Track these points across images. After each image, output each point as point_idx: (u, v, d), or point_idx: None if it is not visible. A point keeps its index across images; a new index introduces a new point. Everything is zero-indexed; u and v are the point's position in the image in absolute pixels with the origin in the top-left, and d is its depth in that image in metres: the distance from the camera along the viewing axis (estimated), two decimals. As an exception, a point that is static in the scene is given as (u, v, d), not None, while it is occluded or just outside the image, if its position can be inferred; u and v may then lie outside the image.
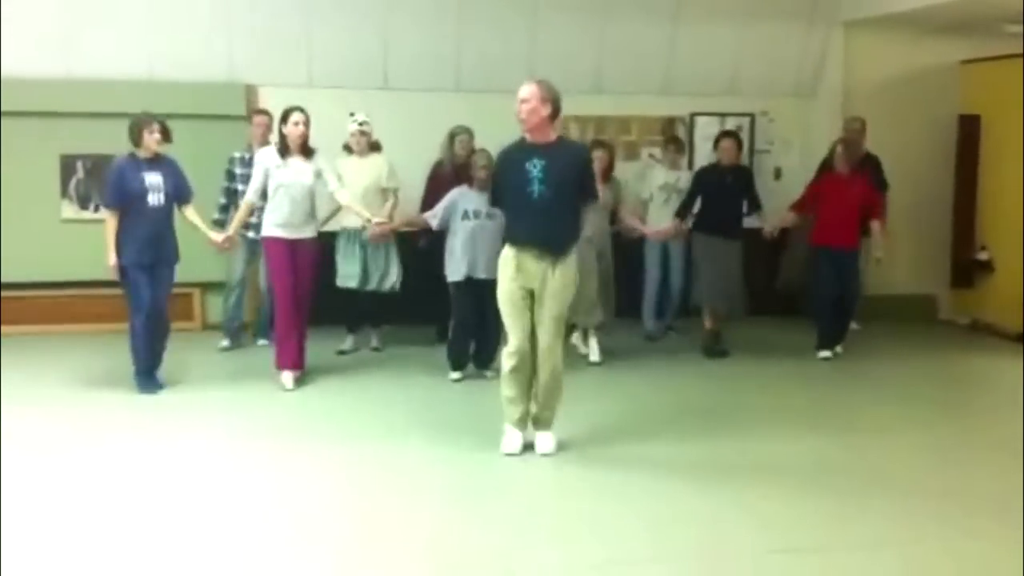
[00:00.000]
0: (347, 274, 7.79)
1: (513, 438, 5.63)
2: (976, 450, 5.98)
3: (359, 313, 8.10)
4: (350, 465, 5.51)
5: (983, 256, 9.58)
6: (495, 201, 5.95)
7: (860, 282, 8.33)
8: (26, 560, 4.20)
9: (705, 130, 9.59)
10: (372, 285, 7.81)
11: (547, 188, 5.39)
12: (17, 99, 8.23)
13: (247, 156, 8.04)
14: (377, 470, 5.45)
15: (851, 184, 8.00)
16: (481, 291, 7.11)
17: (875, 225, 8.08)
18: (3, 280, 8.42)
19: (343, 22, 8.72)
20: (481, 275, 7.11)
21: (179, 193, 6.86)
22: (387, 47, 8.87)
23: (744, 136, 9.55)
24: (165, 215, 6.78)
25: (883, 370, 7.89)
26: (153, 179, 6.69)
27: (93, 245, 7.76)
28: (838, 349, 8.18)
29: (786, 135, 9.72)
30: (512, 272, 5.49)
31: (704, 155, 9.55)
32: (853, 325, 8.38)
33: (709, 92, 9.56)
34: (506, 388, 5.61)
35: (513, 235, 5.55)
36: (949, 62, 9.77)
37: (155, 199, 6.70)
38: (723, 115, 9.62)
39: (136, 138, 6.71)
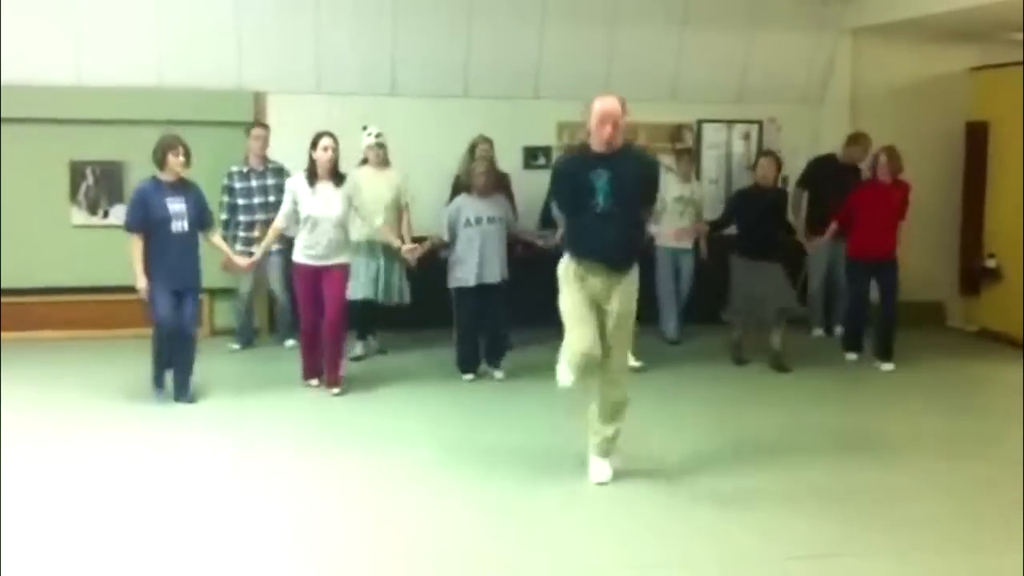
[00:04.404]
0: (356, 286, 7.81)
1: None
2: (986, 456, 5.95)
3: (361, 320, 8.03)
4: (357, 473, 5.51)
5: (991, 263, 9.56)
6: (560, 209, 5.58)
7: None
8: (30, 570, 4.22)
9: (712, 137, 9.62)
10: (381, 298, 7.78)
11: (613, 200, 5.00)
12: (27, 106, 8.26)
13: (244, 170, 8.10)
14: (385, 478, 5.44)
15: (891, 193, 7.93)
16: (487, 295, 7.16)
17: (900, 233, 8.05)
18: (15, 286, 8.43)
19: (351, 29, 8.74)
20: (490, 280, 7.15)
21: (201, 220, 6.73)
22: (395, 54, 8.88)
23: (751, 143, 9.59)
24: (189, 242, 6.64)
25: (894, 377, 7.86)
26: (176, 206, 6.54)
27: (104, 251, 7.95)
28: (890, 365, 7.98)
29: (794, 142, 9.71)
30: (577, 284, 5.10)
31: (711, 163, 9.59)
32: (889, 367, 8.01)
33: (717, 99, 9.57)
34: (582, 389, 5.16)
35: (576, 249, 5.15)
36: (957, 69, 9.77)
37: (179, 226, 6.55)
38: (731, 122, 9.64)
39: (161, 160, 6.56)
